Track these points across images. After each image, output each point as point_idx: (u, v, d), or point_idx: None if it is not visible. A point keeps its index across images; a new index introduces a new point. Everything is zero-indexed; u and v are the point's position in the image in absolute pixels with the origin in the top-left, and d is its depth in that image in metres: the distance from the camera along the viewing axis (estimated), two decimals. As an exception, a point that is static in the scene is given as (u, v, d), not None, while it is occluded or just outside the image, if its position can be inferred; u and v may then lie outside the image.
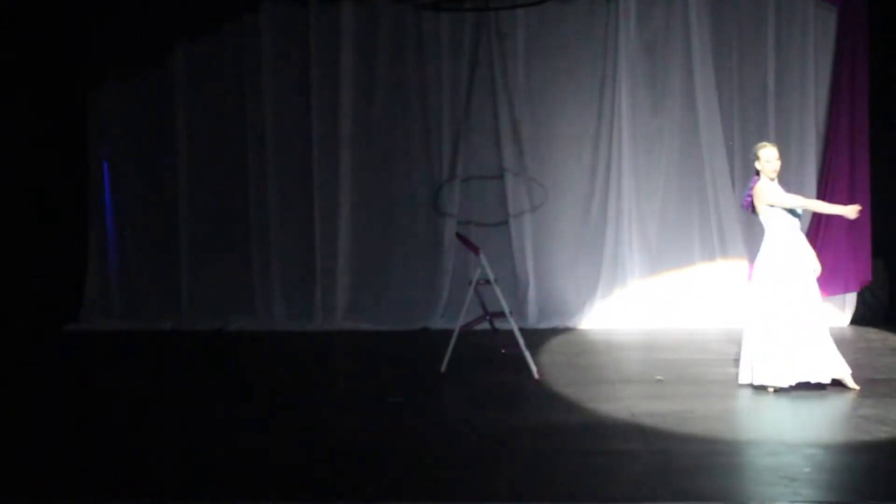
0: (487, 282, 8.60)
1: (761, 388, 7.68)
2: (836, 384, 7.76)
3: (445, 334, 8.97)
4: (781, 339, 7.62)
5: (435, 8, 9.57)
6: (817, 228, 10.92)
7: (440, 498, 5.48)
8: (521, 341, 8.43)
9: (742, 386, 7.82)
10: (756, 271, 7.88)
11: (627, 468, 5.96)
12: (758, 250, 7.95)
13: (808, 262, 7.80)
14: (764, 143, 8.01)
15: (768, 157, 7.81)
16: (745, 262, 11.01)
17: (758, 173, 7.85)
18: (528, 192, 11.37)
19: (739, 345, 8.10)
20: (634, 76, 11.26)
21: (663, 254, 11.31)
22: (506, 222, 11.42)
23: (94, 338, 11.06)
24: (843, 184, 10.88)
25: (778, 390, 7.63)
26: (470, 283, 8.82)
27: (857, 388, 7.70)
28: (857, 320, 11.01)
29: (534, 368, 8.33)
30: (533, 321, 11.20)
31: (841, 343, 10.01)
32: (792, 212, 7.79)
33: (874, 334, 10.40)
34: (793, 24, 11.14)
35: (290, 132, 11.57)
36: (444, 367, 8.62)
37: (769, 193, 7.76)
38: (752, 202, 7.87)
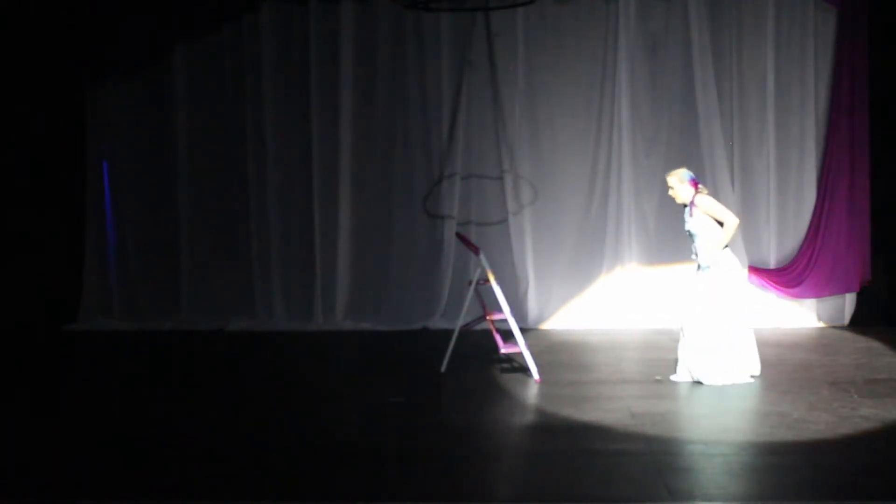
0: (487, 282, 8.60)
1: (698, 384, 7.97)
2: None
3: (445, 334, 8.97)
4: (729, 339, 7.97)
5: (427, 8, 9.53)
6: (816, 228, 10.91)
7: (440, 498, 5.48)
8: (521, 341, 8.43)
9: (678, 382, 8.10)
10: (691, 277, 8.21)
11: (627, 468, 5.97)
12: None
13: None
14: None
15: None
16: (744, 262, 11.01)
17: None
18: (516, 191, 11.35)
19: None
20: (634, 76, 11.25)
21: (663, 253, 11.29)
22: (505, 222, 11.42)
23: (94, 338, 11.06)
24: (843, 184, 10.87)
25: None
26: (470, 283, 8.82)
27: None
28: (857, 320, 11.00)
29: (534, 368, 8.32)
30: (533, 321, 11.21)
31: (841, 343, 10.04)
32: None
33: (874, 334, 10.39)
34: (793, 24, 11.12)
35: (290, 132, 11.57)
36: (444, 367, 8.62)
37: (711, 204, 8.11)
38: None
